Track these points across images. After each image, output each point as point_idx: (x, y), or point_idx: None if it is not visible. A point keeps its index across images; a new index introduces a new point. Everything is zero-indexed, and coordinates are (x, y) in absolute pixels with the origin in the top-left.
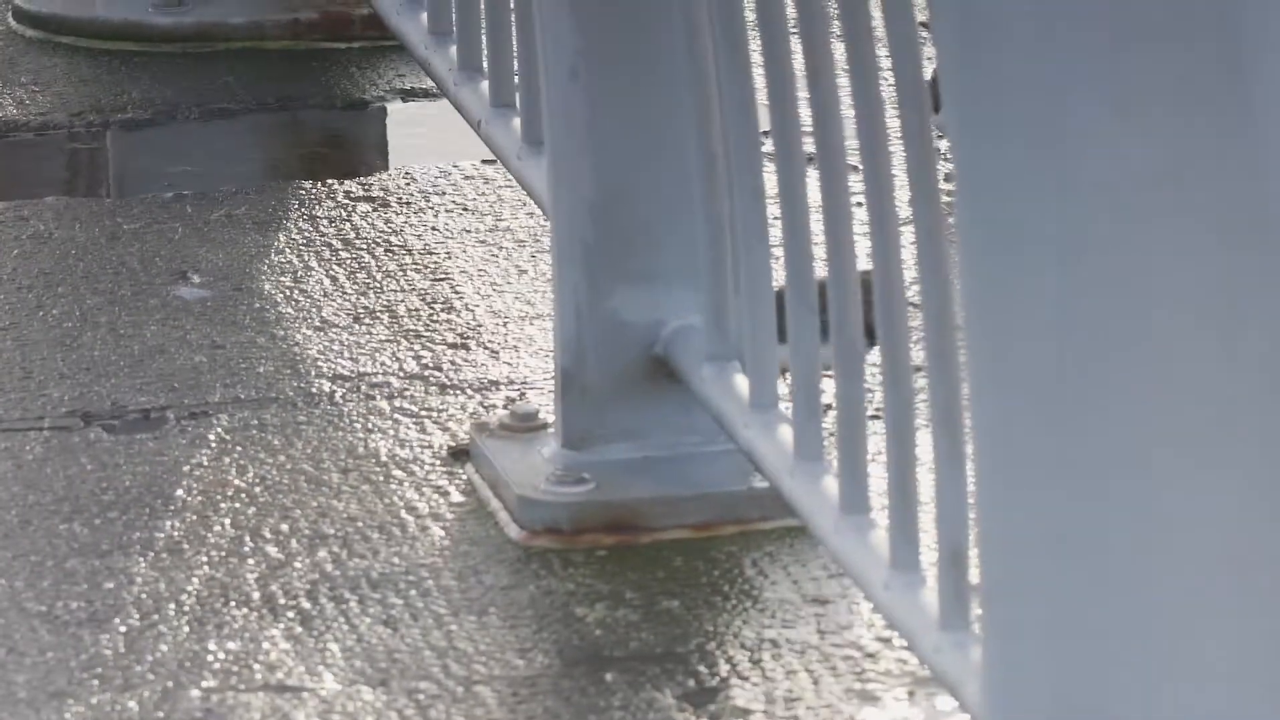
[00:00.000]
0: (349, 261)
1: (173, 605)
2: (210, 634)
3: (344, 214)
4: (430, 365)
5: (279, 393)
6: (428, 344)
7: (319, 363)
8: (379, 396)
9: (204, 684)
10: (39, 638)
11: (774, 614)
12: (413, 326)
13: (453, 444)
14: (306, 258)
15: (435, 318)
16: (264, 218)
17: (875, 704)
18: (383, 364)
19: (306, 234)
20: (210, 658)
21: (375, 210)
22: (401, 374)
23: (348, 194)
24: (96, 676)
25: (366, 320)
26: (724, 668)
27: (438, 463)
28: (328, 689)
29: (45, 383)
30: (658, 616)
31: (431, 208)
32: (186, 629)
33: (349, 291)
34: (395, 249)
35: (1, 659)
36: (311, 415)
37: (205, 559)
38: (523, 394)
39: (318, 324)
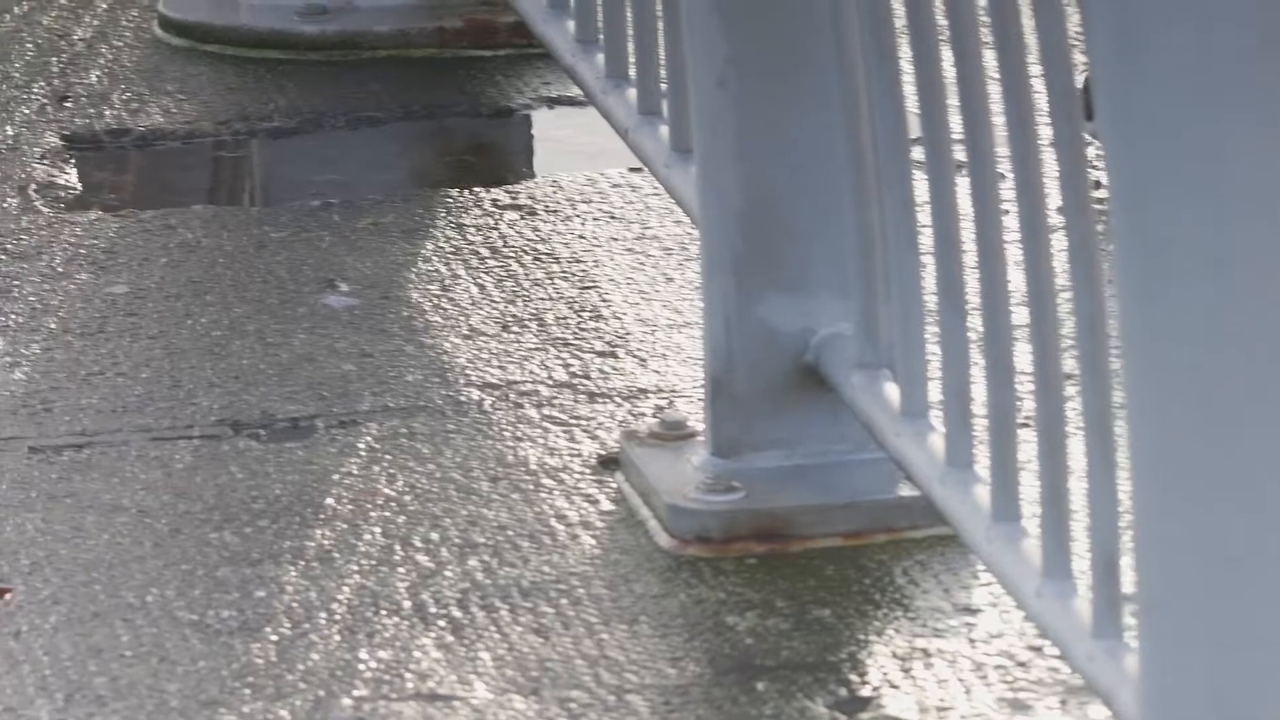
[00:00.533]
0: (496, 269)
1: (324, 614)
2: (361, 643)
3: (491, 222)
4: (579, 373)
5: (428, 401)
6: (576, 352)
7: (467, 371)
8: (528, 405)
9: (355, 692)
10: (190, 647)
11: (925, 622)
12: (561, 334)
13: (602, 452)
14: (454, 266)
15: (583, 325)
16: (411, 226)
17: (1027, 712)
18: (531, 372)
19: (454, 242)
20: (361, 666)
21: (522, 218)
22: (550, 382)
23: (495, 202)
24: (249, 685)
25: (515, 328)
26: (876, 676)
27: (587, 471)
28: (479, 698)
29: (194, 391)
30: (809, 625)
31: (579, 215)
32: (338, 638)
33: (497, 299)
34: (543, 257)
35: (154, 668)
36: (460, 423)
37: (355, 567)
38: (671, 402)
39: (466, 332)
